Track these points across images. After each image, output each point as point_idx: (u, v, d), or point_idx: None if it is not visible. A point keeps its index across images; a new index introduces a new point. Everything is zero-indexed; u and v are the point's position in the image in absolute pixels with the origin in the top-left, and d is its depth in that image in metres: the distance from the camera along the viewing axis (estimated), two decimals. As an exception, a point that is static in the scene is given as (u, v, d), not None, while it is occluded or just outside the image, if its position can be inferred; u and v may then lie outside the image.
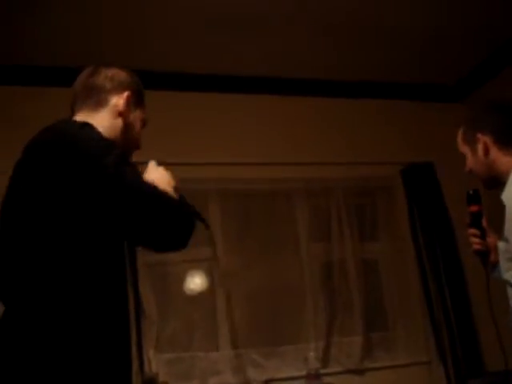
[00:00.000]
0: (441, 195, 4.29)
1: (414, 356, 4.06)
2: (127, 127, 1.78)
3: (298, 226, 4.17)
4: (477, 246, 2.18)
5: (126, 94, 1.78)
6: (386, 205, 4.44)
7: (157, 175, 1.65)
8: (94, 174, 1.46)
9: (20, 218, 1.52)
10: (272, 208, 4.17)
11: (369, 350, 4.03)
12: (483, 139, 2.11)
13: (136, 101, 1.82)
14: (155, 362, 3.56)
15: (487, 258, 2.17)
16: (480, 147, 2.11)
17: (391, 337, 4.20)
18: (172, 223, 1.50)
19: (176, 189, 1.64)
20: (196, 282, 3.87)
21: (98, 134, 1.59)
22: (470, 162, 2.18)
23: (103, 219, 1.47)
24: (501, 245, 2.05)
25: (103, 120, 1.73)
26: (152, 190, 1.50)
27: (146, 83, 1.92)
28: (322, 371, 3.76)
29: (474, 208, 2.21)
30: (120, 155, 1.53)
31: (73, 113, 1.78)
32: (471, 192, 2.23)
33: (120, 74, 1.82)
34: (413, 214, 4.26)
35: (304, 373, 3.69)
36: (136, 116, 1.82)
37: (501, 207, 2.03)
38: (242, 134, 4.08)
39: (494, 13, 3.71)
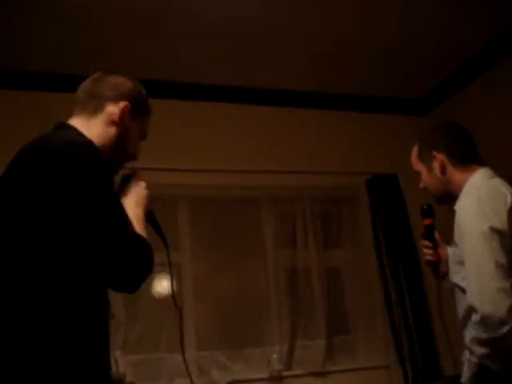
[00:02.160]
0: (403, 206, 4.41)
1: (374, 360, 4.19)
2: (120, 136, 1.77)
3: (264, 232, 4.27)
4: (429, 257, 2.33)
5: (122, 103, 1.77)
6: (351, 213, 4.57)
7: (134, 190, 1.72)
8: (76, 200, 1.48)
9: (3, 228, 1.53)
10: (240, 215, 4.26)
11: (331, 354, 4.15)
12: (439, 157, 2.23)
13: (136, 112, 1.81)
14: (122, 363, 3.62)
15: (438, 269, 2.31)
16: (437, 165, 2.24)
17: (352, 341, 4.33)
18: (130, 270, 1.51)
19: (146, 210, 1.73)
20: (163, 285, 3.94)
21: (94, 157, 1.57)
22: (426, 178, 2.30)
23: (73, 240, 1.49)
24: (450, 250, 2.19)
25: (97, 127, 1.74)
26: (125, 230, 1.51)
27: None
28: (285, 373, 3.88)
29: (427, 221, 2.36)
30: (110, 185, 1.57)
31: (71, 116, 1.78)
32: (425, 206, 2.37)
33: (124, 84, 1.82)
34: (376, 223, 4.39)
35: (267, 375, 3.80)
36: (134, 127, 1.81)
37: (453, 220, 2.16)
38: (213, 141, 4.17)
39: (461, 28, 3.83)
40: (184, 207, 4.13)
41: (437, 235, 2.35)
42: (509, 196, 2.04)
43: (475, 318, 1.88)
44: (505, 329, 1.81)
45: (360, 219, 4.49)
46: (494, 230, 1.93)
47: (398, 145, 4.50)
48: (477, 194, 2.07)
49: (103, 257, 1.48)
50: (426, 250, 2.35)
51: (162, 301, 3.98)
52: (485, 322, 1.84)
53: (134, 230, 1.55)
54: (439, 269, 2.32)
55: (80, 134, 1.68)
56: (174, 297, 1.92)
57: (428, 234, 2.36)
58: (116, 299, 3.66)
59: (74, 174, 1.50)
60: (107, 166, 1.64)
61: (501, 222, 1.95)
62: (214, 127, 4.21)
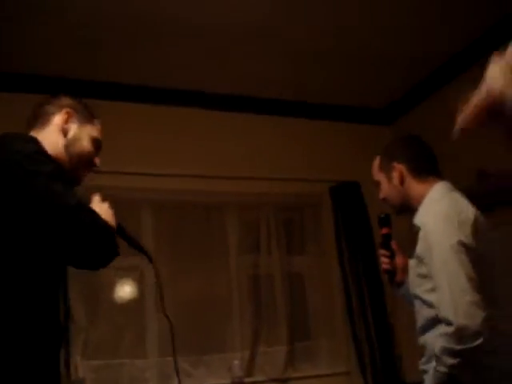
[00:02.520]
0: (366, 213, 4.46)
1: (335, 366, 4.23)
2: (70, 142, 1.87)
3: (228, 238, 4.27)
4: (385, 266, 2.39)
5: (65, 110, 1.90)
6: (314, 220, 4.61)
7: (98, 209, 1.72)
8: (22, 186, 1.55)
9: None
10: (204, 220, 4.26)
11: (292, 360, 4.17)
12: (399, 167, 2.28)
13: (80, 119, 1.92)
14: (82, 368, 3.59)
15: (394, 277, 2.38)
16: (395, 175, 2.29)
17: (314, 347, 4.35)
18: (93, 240, 1.57)
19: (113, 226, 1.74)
20: (125, 290, 3.92)
21: (36, 147, 1.68)
22: (385, 189, 2.35)
23: (29, 229, 1.56)
24: (412, 262, 2.21)
25: (46, 137, 1.82)
26: (77, 204, 1.57)
27: (84, 93, 2.01)
28: (247, 380, 3.87)
29: (384, 230, 2.41)
30: (54, 169, 1.62)
31: None
32: (382, 216, 2.42)
33: (64, 99, 1.95)
34: (339, 230, 4.43)
35: (229, 381, 3.79)
36: (81, 132, 1.91)
37: (410, 230, 2.24)
38: (178, 146, 4.16)
39: (426, 40, 3.89)
40: (147, 211, 4.11)
41: (394, 244, 2.40)
42: (470, 209, 2.10)
43: (447, 329, 1.90)
44: (479, 340, 1.84)
45: (323, 226, 4.54)
46: (462, 244, 1.97)
47: (361, 153, 4.56)
48: (440, 209, 2.11)
49: (56, 231, 1.55)
50: (383, 259, 2.40)
51: (124, 306, 3.96)
52: (460, 333, 1.86)
53: (81, 202, 1.61)
54: (395, 277, 2.38)
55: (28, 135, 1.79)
56: (164, 310, 1.93)
57: (385, 243, 2.41)
58: (77, 304, 3.63)
59: (20, 159, 1.59)
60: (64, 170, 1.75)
61: (466, 237, 1.99)
62: (179, 132, 4.21)
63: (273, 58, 3.97)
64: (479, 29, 3.81)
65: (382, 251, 2.40)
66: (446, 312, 1.93)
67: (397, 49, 3.97)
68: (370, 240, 4.36)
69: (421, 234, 2.12)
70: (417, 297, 2.15)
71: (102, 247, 1.60)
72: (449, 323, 1.90)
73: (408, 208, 2.30)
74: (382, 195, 2.37)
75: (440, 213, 2.09)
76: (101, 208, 1.74)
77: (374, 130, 4.80)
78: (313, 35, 3.76)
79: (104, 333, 3.78)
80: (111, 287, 3.92)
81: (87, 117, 1.96)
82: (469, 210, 2.09)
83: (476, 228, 2.04)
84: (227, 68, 4.05)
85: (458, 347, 1.86)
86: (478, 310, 1.88)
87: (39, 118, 1.90)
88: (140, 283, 4.00)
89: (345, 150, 4.64)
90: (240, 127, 4.39)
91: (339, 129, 4.71)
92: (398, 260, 2.38)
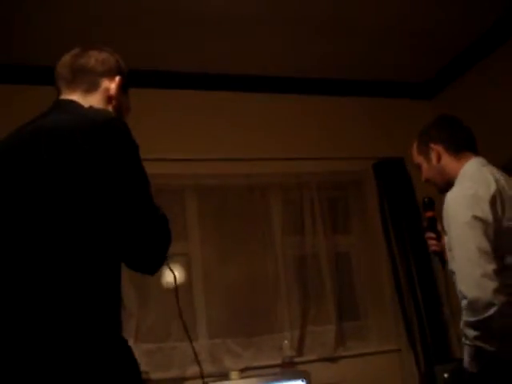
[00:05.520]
0: (411, 189, 4.41)
1: (385, 344, 4.22)
2: (117, 112, 1.76)
3: (272, 219, 4.28)
4: (433, 247, 2.50)
5: (117, 78, 1.77)
6: (358, 198, 4.58)
7: None
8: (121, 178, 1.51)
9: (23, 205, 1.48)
10: (248, 202, 4.27)
11: (342, 339, 4.18)
12: (436, 148, 2.40)
13: (124, 85, 1.81)
14: (135, 352, 3.65)
15: (443, 257, 2.44)
16: (433, 155, 2.41)
17: (363, 326, 4.36)
18: (159, 249, 1.57)
19: None
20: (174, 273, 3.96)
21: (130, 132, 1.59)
22: (426, 170, 2.46)
23: (108, 223, 1.50)
24: (446, 238, 2.28)
25: (96, 103, 1.71)
26: (157, 214, 1.57)
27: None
28: (297, 359, 3.91)
29: (429, 214, 2.52)
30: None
31: (59, 93, 1.75)
32: (426, 200, 2.53)
33: (110, 58, 1.80)
34: (384, 207, 4.40)
35: (279, 361, 3.83)
36: (123, 101, 1.82)
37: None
38: (219, 130, 4.18)
39: (462, 14, 3.84)
40: (192, 197, 4.14)
41: (439, 226, 2.47)
42: (493, 185, 2.17)
43: (464, 303, 2.01)
44: (492, 310, 1.94)
45: (368, 204, 4.50)
46: (476, 218, 2.07)
47: (403, 129, 4.53)
48: (459, 188, 2.23)
49: (133, 232, 1.52)
50: (430, 241, 2.51)
51: (173, 290, 4.00)
52: (472, 306, 1.97)
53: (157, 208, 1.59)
54: (444, 257, 2.43)
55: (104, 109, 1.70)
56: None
57: (431, 225, 2.50)
58: (127, 290, 3.68)
59: (127, 148, 1.55)
60: None
61: (482, 211, 2.08)
62: (221, 116, 4.22)
63: (311, 35, 3.94)
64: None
65: (429, 234, 2.50)
66: (460, 285, 2.05)
67: (436, 21, 3.90)
68: (415, 216, 4.30)
69: (443, 210, 2.22)
70: (453, 272, 2.20)
71: (162, 254, 1.61)
72: (464, 297, 2.01)
73: (450, 186, 2.35)
74: (424, 177, 2.48)
75: (458, 192, 2.20)
76: None
77: (415, 105, 4.74)
78: (351, 10, 3.71)
79: (155, 317, 3.84)
80: (160, 272, 3.96)
81: (127, 82, 1.84)
82: (491, 186, 2.16)
83: (500, 201, 2.13)
84: (262, 50, 4.03)
85: (473, 319, 1.97)
86: (489, 281, 1.96)
87: (85, 74, 1.74)
88: (187, 268, 4.04)
89: (386, 126, 4.59)
90: (280, 108, 4.37)
91: (380, 105, 4.65)
92: (444, 240, 2.42)
